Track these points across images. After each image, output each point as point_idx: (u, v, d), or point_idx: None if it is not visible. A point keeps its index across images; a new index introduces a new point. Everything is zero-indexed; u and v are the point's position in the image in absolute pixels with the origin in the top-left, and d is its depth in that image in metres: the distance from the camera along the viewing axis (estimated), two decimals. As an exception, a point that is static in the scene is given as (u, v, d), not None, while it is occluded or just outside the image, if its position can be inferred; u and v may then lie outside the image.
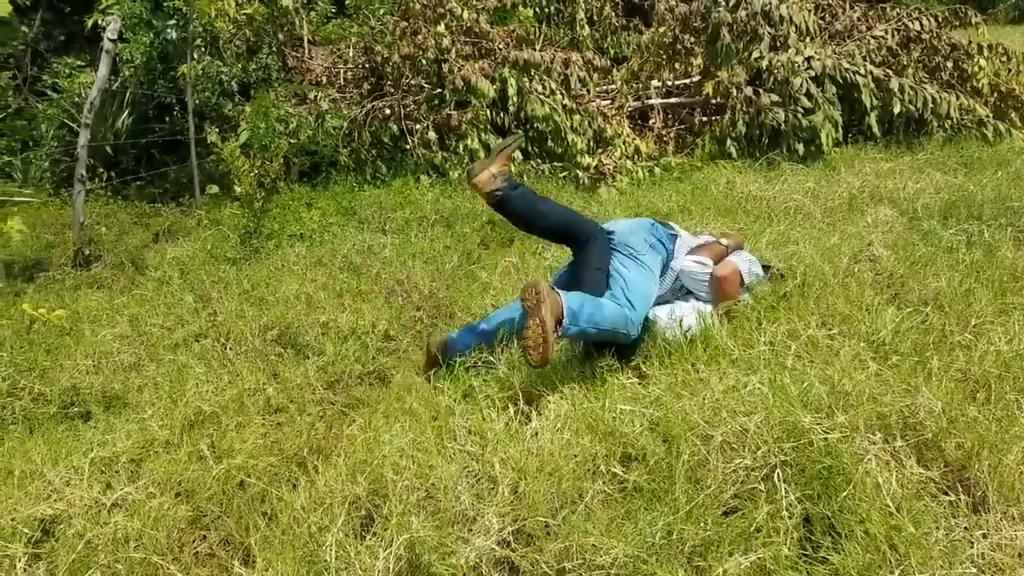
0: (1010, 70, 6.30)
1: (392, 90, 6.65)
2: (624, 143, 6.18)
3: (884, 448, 2.13)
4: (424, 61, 6.42)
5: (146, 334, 3.79)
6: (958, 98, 6.02)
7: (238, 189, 4.97)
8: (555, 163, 5.99)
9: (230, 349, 3.49)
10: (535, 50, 6.43)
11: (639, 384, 2.71)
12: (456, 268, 4.13)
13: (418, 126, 6.32)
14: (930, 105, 5.98)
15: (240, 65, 7.01)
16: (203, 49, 6.96)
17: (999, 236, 3.79)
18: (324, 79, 7.17)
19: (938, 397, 2.33)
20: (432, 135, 6.15)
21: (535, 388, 2.71)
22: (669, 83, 7.18)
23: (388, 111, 6.41)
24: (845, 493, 1.91)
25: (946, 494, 2.13)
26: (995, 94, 6.31)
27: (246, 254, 4.71)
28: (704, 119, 6.89)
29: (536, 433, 2.36)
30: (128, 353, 3.61)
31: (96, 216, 5.89)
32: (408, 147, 6.30)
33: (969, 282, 3.16)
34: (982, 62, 6.22)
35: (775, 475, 2.00)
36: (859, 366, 2.57)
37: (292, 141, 5.95)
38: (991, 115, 6.06)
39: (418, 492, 2.23)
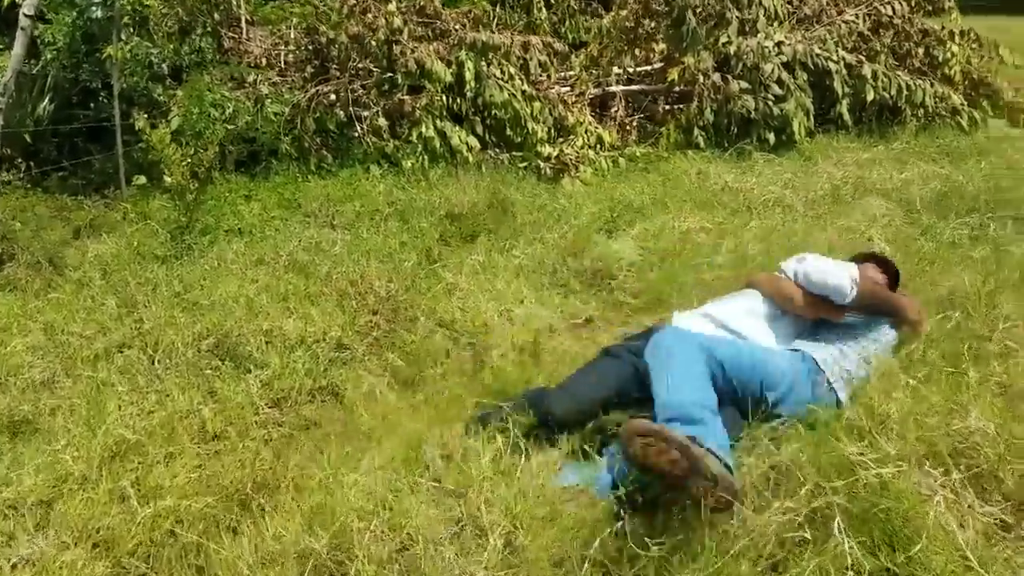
0: (982, 56, 6.13)
1: (338, 74, 6.16)
2: (586, 132, 5.83)
3: (945, 483, 1.80)
4: (374, 43, 5.95)
5: (62, 344, 3.28)
6: (932, 85, 5.82)
7: (168, 179, 4.45)
8: (514, 153, 5.60)
9: (158, 362, 3.02)
10: (493, 32, 6.03)
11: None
12: (416, 267, 3.72)
13: (367, 112, 5.86)
14: (904, 93, 5.76)
15: (172, 46, 6.42)
16: (131, 29, 6.36)
17: (1003, 230, 3.55)
18: (264, 61, 6.63)
19: (988, 418, 2.02)
20: (383, 122, 5.70)
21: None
22: (630, 69, 6.84)
23: (334, 96, 5.92)
24: (920, 546, 1.57)
25: (1008, 531, 1.83)
26: (967, 81, 6.14)
27: (177, 252, 4.20)
28: (668, 107, 6.58)
29: (534, 472, 1.98)
30: (41, 368, 3.11)
31: (11, 210, 5.29)
32: (356, 135, 5.84)
33: (992, 282, 2.88)
34: (954, 48, 6.03)
35: (834, 523, 1.64)
36: (891, 381, 2.25)
37: (229, 127, 5.43)
38: (965, 103, 5.88)
39: (390, 545, 1.83)
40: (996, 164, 4.70)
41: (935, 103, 5.86)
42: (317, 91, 5.97)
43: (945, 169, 4.63)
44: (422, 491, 1.96)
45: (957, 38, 6.12)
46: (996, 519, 1.81)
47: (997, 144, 5.26)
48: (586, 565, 1.72)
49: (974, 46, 6.18)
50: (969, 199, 4.03)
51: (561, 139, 5.74)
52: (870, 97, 5.75)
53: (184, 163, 4.39)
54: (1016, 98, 6.27)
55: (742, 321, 2.54)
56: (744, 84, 5.79)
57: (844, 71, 5.84)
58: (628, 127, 6.44)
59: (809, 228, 3.85)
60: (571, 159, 5.53)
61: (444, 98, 5.59)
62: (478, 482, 1.93)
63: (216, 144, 4.93)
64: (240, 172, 5.66)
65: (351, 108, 5.90)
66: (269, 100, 5.72)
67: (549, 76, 6.14)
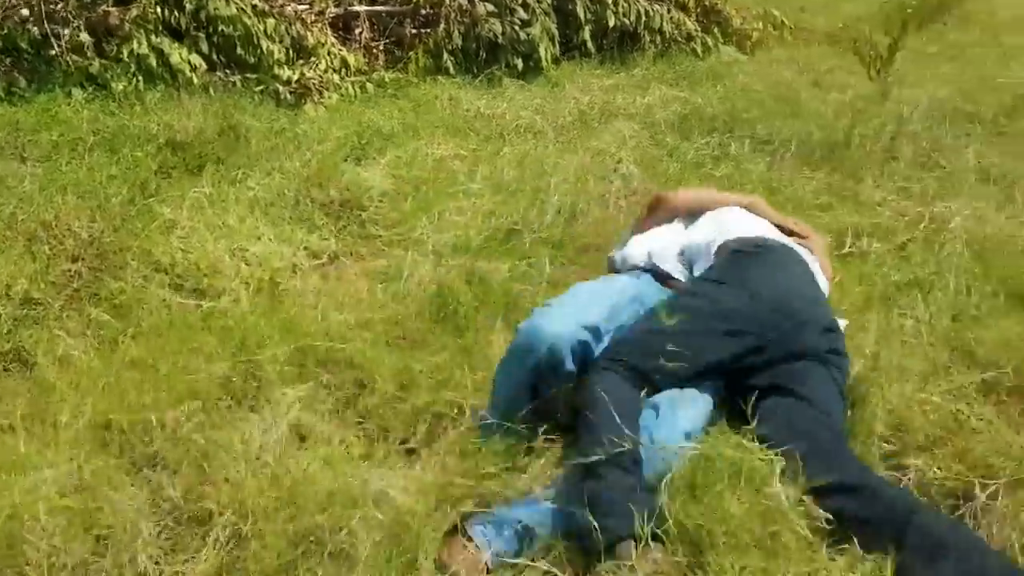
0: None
1: (27, -18, 5.19)
2: (329, 54, 5.36)
3: None
4: (68, -56, 5.05)
5: None
6: (669, 11, 5.97)
7: None
8: (248, 75, 5.02)
9: None
10: (214, -64, 5.32)
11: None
12: (127, 203, 3.16)
13: (67, 29, 4.98)
14: (643, 19, 5.86)
15: None
16: None
17: (741, 150, 3.66)
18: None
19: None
20: (85, 37, 4.86)
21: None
22: (374, -11, 6.41)
23: (26, 11, 4.97)
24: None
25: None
26: (699, 8, 6.36)
27: None
28: (415, 31, 6.24)
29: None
30: None
31: None
32: (55, 54, 4.95)
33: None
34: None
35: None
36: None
37: None
38: (699, 29, 6.10)
39: (82, 547, 1.45)
40: (730, 88, 4.90)
41: (672, 29, 6.02)
42: (4, 3, 4.97)
43: (684, 93, 4.75)
44: (123, 475, 1.58)
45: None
46: None
47: (729, 69, 5.50)
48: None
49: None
50: (708, 120, 4.15)
51: (301, 61, 5.23)
52: (612, 23, 5.78)
53: None
54: (743, 25, 6.61)
55: None
56: (490, 7, 5.59)
57: (587, -4, 5.82)
58: (375, 51, 6.03)
59: (561, 152, 3.76)
60: (314, 83, 5.07)
61: (159, 10, 4.86)
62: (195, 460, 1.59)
63: None
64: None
65: (47, 24, 4.98)
66: (-67, 10, 4.69)
67: (284, -10, 5.57)
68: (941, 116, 4.32)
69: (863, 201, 3.30)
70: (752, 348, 1.91)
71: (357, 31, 6.05)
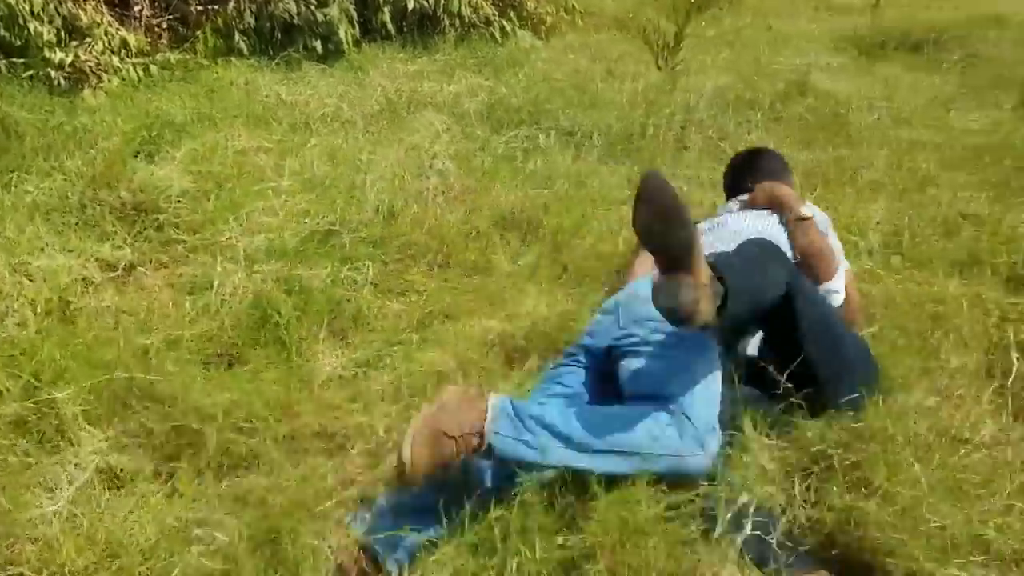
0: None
1: None
2: (106, 34, 4.89)
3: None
4: None
5: None
6: (467, -5, 5.98)
7: None
8: (15, 60, 4.47)
9: None
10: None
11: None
12: None
13: None
14: (442, 1, 5.83)
15: None
16: None
17: (548, 141, 3.75)
18: None
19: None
20: None
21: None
22: (151, -39, 5.91)
23: None
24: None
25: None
26: (494, -8, 6.42)
27: None
28: (201, 8, 5.83)
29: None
30: None
31: None
32: None
33: (545, 197, 3.01)
34: (481, -41, 6.23)
35: None
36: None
37: None
38: (496, 14, 6.16)
39: None
40: (531, 75, 4.99)
41: (470, 13, 6.04)
42: None
43: (489, 81, 4.78)
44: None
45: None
46: None
47: (528, 56, 5.59)
48: None
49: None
50: (515, 111, 4.20)
51: (75, 43, 4.74)
52: (411, 5, 5.70)
53: None
54: (538, 10, 6.75)
55: None
56: (284, -16, 5.34)
57: (382, -25, 5.70)
58: (157, 30, 5.57)
59: (374, 145, 3.68)
60: (90, 67, 4.62)
61: None
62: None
63: None
64: None
65: None
66: None
67: (47, -38, 5.00)
68: (724, 104, 4.64)
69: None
70: None
71: (136, 8, 5.56)
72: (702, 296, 1.56)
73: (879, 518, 1.62)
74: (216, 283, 2.68)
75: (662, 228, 1.58)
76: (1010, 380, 2.18)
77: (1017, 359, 2.24)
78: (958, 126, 4.51)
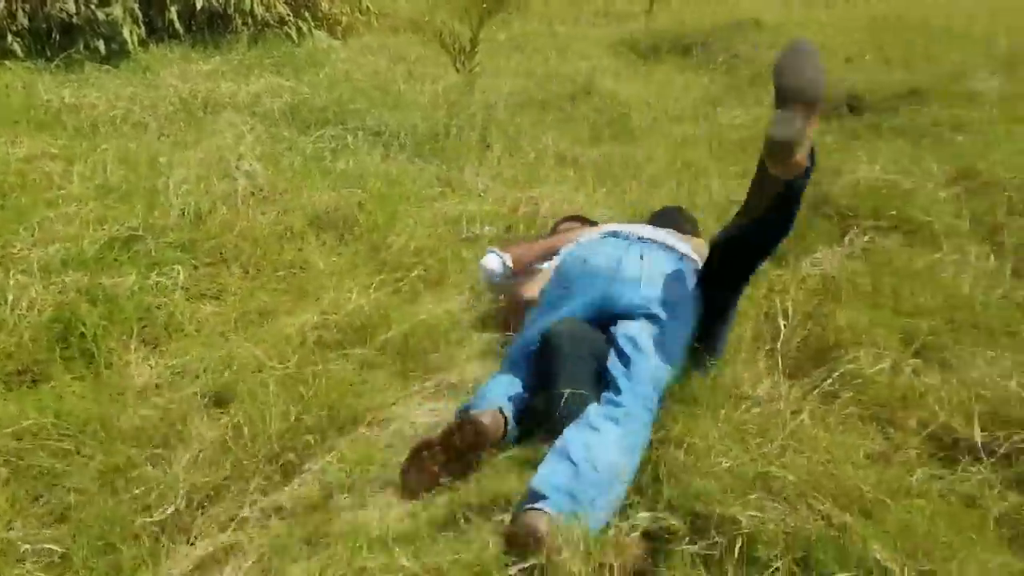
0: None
1: None
2: None
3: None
4: None
5: None
6: (260, -7, 5.86)
7: None
8: None
9: None
10: None
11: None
12: None
13: None
14: (232, 1, 5.68)
15: None
16: None
17: (356, 141, 3.82)
18: None
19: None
20: None
21: None
22: None
23: None
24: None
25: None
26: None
27: None
28: (-37, 6, 5.33)
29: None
30: None
31: None
32: None
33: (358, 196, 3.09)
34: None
35: None
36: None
37: None
38: (291, 13, 6.08)
39: None
40: (332, 76, 4.99)
41: (263, 12, 5.92)
42: None
43: (290, 81, 4.73)
44: None
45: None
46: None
47: (327, 56, 5.58)
48: None
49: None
50: (319, 111, 4.21)
51: None
52: (200, 4, 5.52)
53: None
54: (333, 10, 6.72)
55: None
56: (60, -18, 4.99)
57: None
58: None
59: (173, 147, 3.57)
60: None
61: None
62: None
63: None
64: None
65: None
66: None
67: None
68: (520, 105, 4.90)
69: (470, 189, 3.66)
70: None
71: None
72: (808, 140, 1.82)
73: (682, 464, 1.84)
74: (10, 297, 2.52)
75: (813, 73, 1.83)
76: (779, 343, 2.51)
77: (784, 325, 2.59)
78: (724, 122, 5.02)
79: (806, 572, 1.55)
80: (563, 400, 1.94)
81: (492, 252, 2.71)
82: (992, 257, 3.02)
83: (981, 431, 2.01)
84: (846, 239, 3.35)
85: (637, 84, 5.77)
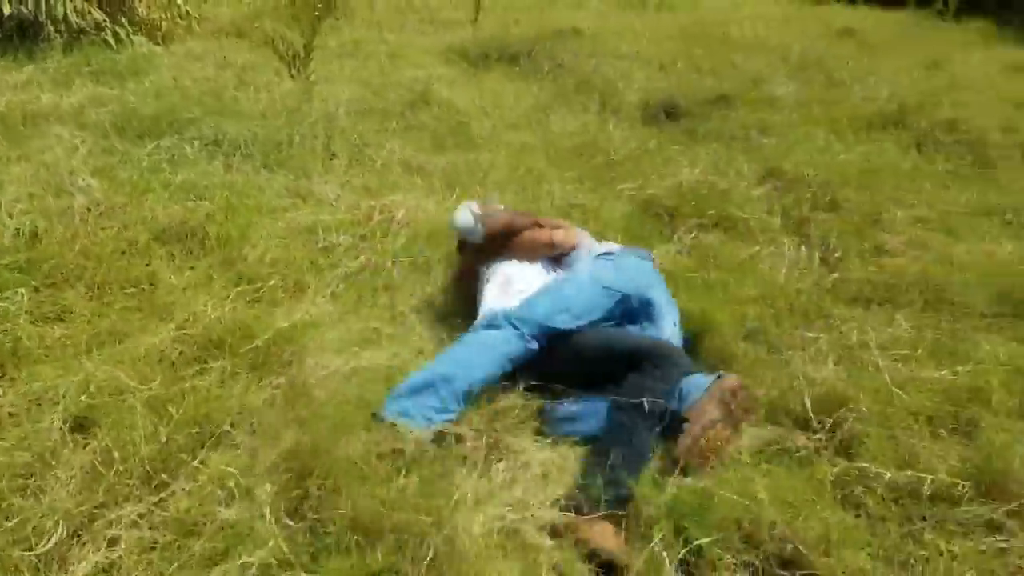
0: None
1: None
2: None
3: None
4: None
5: None
6: (72, -1, 5.53)
7: None
8: None
9: None
10: None
11: None
12: None
13: None
14: (43, 6, 5.33)
15: None
16: None
17: (194, 151, 3.72)
18: None
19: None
20: None
21: None
22: None
23: None
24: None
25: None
26: (102, -7, 5.99)
27: None
28: None
29: None
30: None
31: None
32: None
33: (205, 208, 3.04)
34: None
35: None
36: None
37: None
38: (107, 19, 5.77)
39: None
40: (159, 83, 4.79)
41: (78, 19, 5.60)
42: None
43: (115, 90, 4.51)
44: None
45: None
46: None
47: (148, 62, 5.33)
48: None
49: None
50: (150, 121, 4.04)
51: None
52: (7, 11, 5.15)
53: None
54: (151, 15, 6.43)
55: None
56: None
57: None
58: None
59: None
60: None
61: None
62: None
63: None
64: None
65: None
66: None
67: None
68: (360, 113, 4.91)
69: (320, 199, 3.66)
70: None
71: None
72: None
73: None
74: None
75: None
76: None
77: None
78: (556, 129, 5.26)
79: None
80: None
81: (466, 207, 2.95)
82: (802, 248, 3.42)
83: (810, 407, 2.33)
84: (675, 236, 3.68)
85: (472, 92, 5.91)
